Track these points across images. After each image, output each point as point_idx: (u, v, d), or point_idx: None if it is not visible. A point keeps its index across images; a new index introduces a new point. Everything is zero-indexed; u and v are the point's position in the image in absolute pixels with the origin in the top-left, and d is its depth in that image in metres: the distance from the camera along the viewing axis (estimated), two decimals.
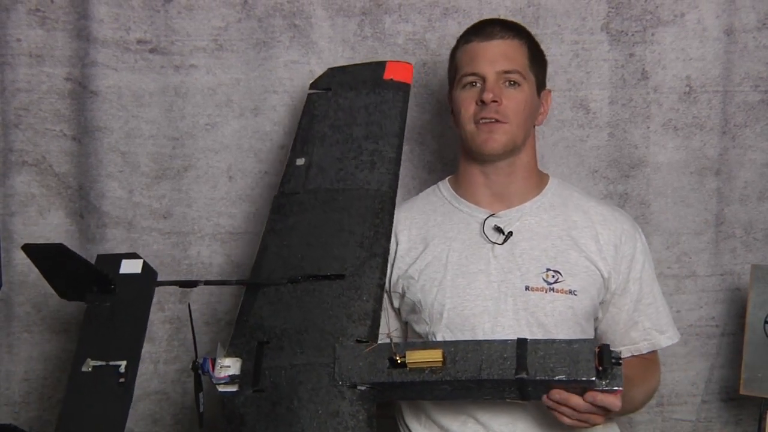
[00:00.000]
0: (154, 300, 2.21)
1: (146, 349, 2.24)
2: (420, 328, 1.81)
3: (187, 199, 2.25)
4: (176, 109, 2.22)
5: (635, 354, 1.84)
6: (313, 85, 2.02)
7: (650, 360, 1.87)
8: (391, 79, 1.96)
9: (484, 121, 1.76)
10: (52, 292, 2.21)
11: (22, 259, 2.21)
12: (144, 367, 2.27)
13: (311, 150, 1.88)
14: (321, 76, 2.03)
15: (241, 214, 2.26)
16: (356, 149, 1.85)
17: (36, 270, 2.18)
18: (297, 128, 1.95)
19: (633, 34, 2.22)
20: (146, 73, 2.20)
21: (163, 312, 2.26)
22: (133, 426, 2.29)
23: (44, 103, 2.20)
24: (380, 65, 2.00)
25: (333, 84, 1.99)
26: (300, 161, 1.87)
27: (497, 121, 1.76)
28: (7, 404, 2.26)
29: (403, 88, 1.94)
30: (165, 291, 2.24)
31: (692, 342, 2.30)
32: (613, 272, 1.79)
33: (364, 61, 2.10)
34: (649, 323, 1.83)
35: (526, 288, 1.75)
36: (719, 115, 2.25)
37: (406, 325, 1.88)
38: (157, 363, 2.27)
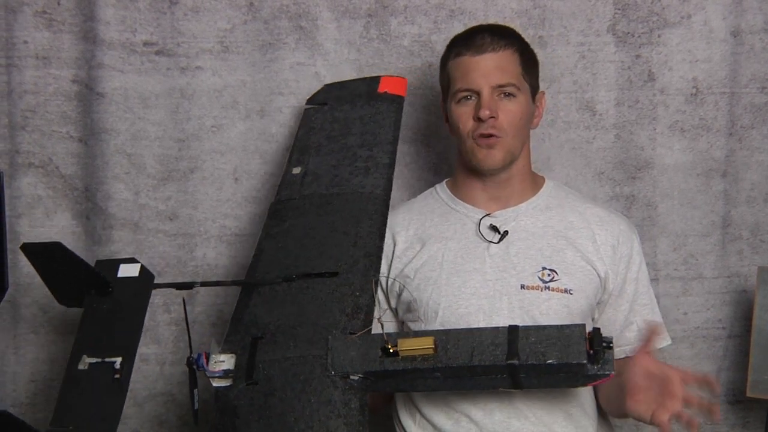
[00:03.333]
0: (160, 302, 2.26)
1: (152, 350, 2.26)
2: (415, 327, 1.81)
3: (193, 200, 2.25)
4: (182, 111, 2.22)
5: (630, 355, 1.84)
6: (309, 101, 2.08)
7: None
8: (386, 92, 2.01)
9: (481, 136, 1.77)
10: None
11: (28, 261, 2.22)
12: (150, 369, 2.27)
13: (307, 160, 1.92)
14: (317, 92, 2.09)
15: (246, 216, 2.26)
16: (351, 156, 1.88)
17: None
18: (293, 140, 1.99)
19: (639, 36, 2.21)
20: (152, 75, 2.20)
21: (169, 314, 2.27)
22: (138, 427, 2.29)
23: (51, 105, 2.21)
24: (375, 80, 2.06)
25: (329, 99, 2.05)
26: (296, 170, 1.90)
27: (494, 135, 1.76)
28: (14, 405, 2.26)
29: (397, 101, 1.99)
30: (171, 293, 2.24)
31: (699, 344, 2.30)
32: (611, 272, 1.79)
33: (359, 76, 2.15)
34: (645, 324, 1.83)
35: (522, 287, 1.75)
36: (726, 116, 2.24)
37: (402, 325, 1.88)
38: (163, 365, 2.28)
